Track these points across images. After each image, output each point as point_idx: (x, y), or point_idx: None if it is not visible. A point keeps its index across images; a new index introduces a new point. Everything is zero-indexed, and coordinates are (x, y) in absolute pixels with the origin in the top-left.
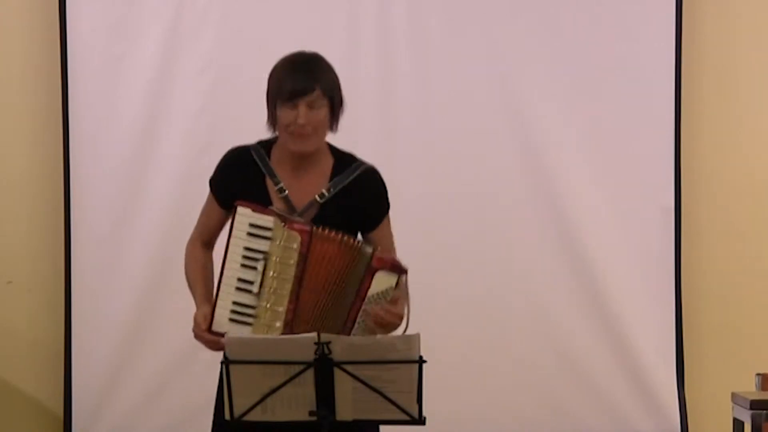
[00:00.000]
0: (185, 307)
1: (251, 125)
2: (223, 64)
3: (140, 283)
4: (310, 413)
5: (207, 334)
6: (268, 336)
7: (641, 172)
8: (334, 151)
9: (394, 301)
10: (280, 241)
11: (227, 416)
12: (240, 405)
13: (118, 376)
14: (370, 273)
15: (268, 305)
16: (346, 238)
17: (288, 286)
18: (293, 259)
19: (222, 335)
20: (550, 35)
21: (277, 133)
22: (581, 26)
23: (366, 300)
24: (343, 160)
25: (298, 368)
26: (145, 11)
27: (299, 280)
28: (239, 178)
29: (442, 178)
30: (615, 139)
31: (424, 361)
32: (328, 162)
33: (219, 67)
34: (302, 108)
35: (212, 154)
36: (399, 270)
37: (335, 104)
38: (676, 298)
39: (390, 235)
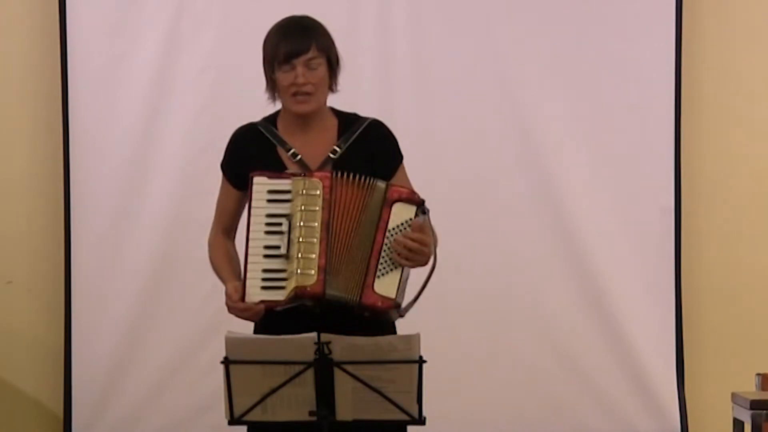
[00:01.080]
0: (185, 306)
1: None
2: (223, 64)
3: (140, 283)
4: (310, 413)
5: (240, 303)
6: (268, 336)
7: (641, 172)
8: (337, 112)
9: (417, 229)
10: (303, 191)
11: (227, 417)
12: (240, 405)
13: (118, 376)
14: (388, 205)
15: (300, 255)
16: (360, 177)
17: (317, 233)
18: (318, 205)
19: (272, 303)
20: (550, 35)
21: (278, 100)
22: (581, 26)
23: (387, 233)
24: (348, 119)
25: (298, 368)
26: (145, 11)
27: (326, 225)
28: (250, 155)
29: (442, 177)
30: (615, 140)
31: (424, 361)
32: (333, 122)
33: (219, 67)
34: (300, 67)
35: (212, 154)
36: (416, 200)
37: (332, 62)
38: (676, 298)
39: (408, 183)
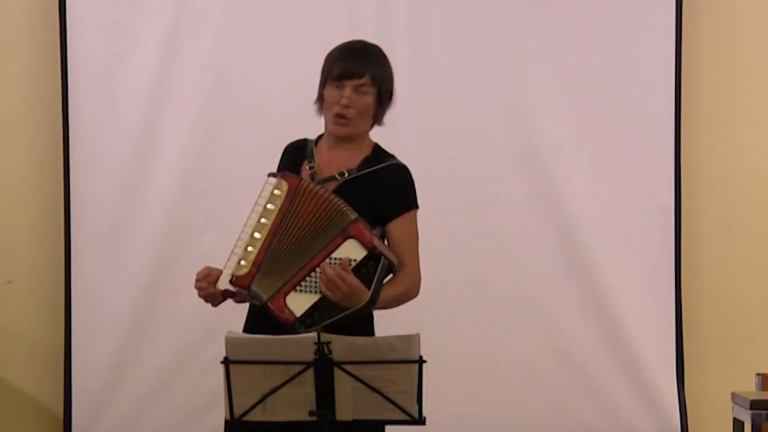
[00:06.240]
0: (185, 306)
1: (251, 125)
2: (223, 64)
3: (140, 283)
4: (310, 413)
5: (199, 282)
6: (268, 336)
7: (641, 172)
8: (376, 147)
9: (344, 267)
10: (275, 190)
11: (227, 416)
12: (240, 405)
13: (118, 376)
14: (343, 236)
15: (248, 248)
16: (333, 197)
17: (265, 231)
18: (277, 206)
19: (230, 293)
20: (550, 35)
21: (322, 116)
22: (581, 26)
23: (328, 259)
24: (379, 154)
25: (298, 368)
26: (145, 11)
27: (276, 227)
28: (286, 164)
29: (441, 179)
30: (615, 139)
31: (424, 361)
32: (364, 152)
33: (219, 66)
34: (348, 89)
35: (212, 154)
36: (370, 246)
37: (383, 95)
38: (676, 298)
39: (411, 234)
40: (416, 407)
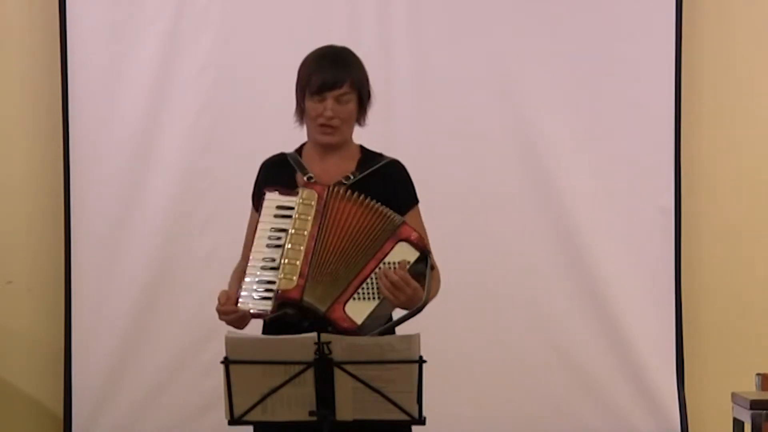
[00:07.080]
0: (185, 306)
1: (251, 125)
2: (223, 64)
3: (140, 283)
4: (310, 413)
5: (226, 306)
6: (268, 336)
7: (641, 172)
8: (363, 148)
9: (403, 268)
10: (301, 200)
11: (227, 417)
12: (240, 405)
13: (118, 377)
14: (394, 239)
15: (286, 261)
16: (369, 200)
17: (304, 241)
18: (311, 216)
19: (260, 313)
20: (550, 35)
21: (304, 124)
22: (581, 26)
23: (381, 264)
24: (370, 155)
25: (298, 368)
26: (146, 11)
27: (314, 236)
28: (272, 180)
29: (441, 179)
30: (614, 139)
31: (424, 361)
32: (355, 155)
33: (219, 66)
34: (330, 101)
35: (212, 154)
36: (422, 247)
37: (363, 98)
38: (676, 298)
39: (422, 228)
40: (416, 407)
